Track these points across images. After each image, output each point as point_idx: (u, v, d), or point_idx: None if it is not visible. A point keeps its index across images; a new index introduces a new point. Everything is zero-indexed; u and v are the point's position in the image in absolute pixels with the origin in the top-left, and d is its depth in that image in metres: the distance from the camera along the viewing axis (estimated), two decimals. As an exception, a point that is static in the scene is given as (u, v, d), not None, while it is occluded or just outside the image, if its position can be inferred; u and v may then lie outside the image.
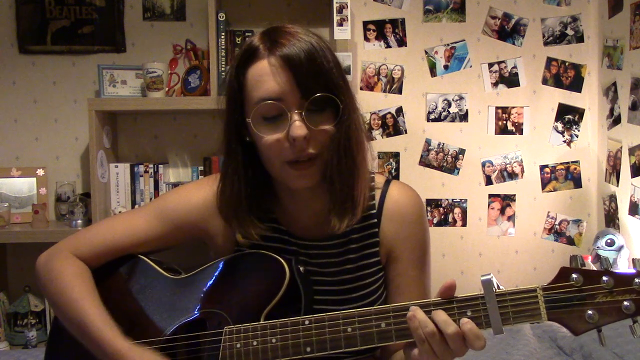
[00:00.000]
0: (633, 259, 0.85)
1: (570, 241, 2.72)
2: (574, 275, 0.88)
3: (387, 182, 1.16)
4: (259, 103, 1.00)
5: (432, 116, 2.69)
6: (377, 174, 1.18)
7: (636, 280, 0.84)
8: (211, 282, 1.13)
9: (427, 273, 1.16)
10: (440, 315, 0.91)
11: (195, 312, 1.10)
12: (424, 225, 1.16)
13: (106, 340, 1.02)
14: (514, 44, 2.68)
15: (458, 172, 2.70)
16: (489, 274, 0.92)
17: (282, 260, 1.06)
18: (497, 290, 0.91)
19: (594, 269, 0.92)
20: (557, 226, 2.71)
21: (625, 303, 0.84)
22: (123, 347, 1.02)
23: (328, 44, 1.05)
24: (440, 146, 2.69)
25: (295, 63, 0.98)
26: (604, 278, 0.86)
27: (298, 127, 0.98)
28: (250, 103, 1.02)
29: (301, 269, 1.08)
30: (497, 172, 2.71)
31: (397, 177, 2.68)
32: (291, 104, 0.99)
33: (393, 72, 2.67)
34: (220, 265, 1.13)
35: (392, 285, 1.15)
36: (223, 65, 2.40)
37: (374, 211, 1.14)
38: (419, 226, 1.15)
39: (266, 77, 1.00)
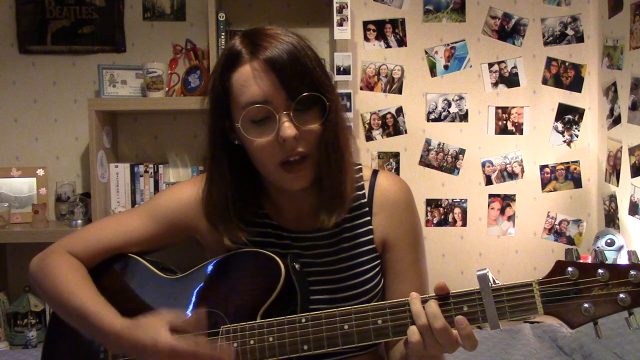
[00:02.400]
0: (628, 251, 0.85)
1: (570, 241, 2.71)
2: (569, 269, 0.88)
3: (375, 173, 1.19)
4: (246, 107, 1.01)
5: (432, 116, 2.69)
6: (363, 166, 1.20)
7: (631, 272, 0.84)
8: (207, 281, 1.12)
9: (423, 257, 1.18)
10: (432, 307, 0.92)
11: (191, 312, 1.09)
12: (414, 210, 1.19)
13: (105, 325, 1.02)
14: (514, 44, 2.68)
15: (458, 172, 2.70)
16: (485, 269, 0.93)
17: (277, 258, 1.06)
18: (493, 285, 0.92)
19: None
20: (557, 226, 2.71)
21: (621, 295, 0.85)
22: (122, 327, 1.00)
23: (309, 42, 1.06)
24: (440, 146, 2.69)
25: (278, 65, 1.00)
26: (600, 271, 0.86)
27: (287, 127, 1.00)
28: (238, 108, 1.03)
29: (296, 266, 1.09)
30: (497, 172, 2.70)
31: (397, 177, 2.68)
32: (278, 105, 1.01)
33: (393, 72, 2.67)
34: (216, 264, 1.13)
35: (391, 272, 1.16)
36: (223, 65, 2.40)
37: (365, 201, 1.15)
38: (409, 212, 1.17)
39: (251, 81, 1.01)
